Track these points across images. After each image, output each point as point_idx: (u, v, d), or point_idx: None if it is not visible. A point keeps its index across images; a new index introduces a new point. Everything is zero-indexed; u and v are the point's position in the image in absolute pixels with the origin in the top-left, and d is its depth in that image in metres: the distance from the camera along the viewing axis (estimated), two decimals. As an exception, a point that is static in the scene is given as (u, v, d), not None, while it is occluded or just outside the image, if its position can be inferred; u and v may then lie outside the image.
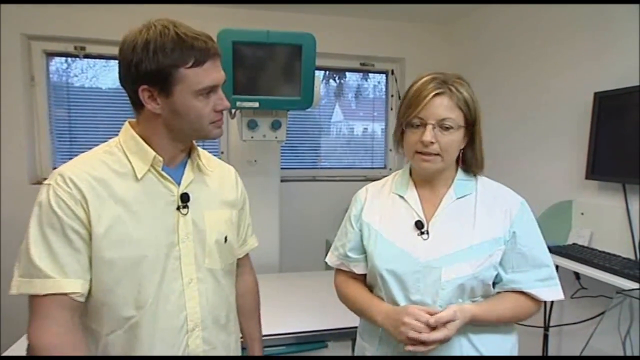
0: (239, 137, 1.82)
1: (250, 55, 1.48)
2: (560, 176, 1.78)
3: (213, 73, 0.81)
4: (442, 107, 0.88)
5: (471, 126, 0.92)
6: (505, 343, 0.96)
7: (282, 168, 2.43)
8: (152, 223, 0.83)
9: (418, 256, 0.91)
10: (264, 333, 1.48)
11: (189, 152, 0.91)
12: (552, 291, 0.93)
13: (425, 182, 0.97)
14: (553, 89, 1.83)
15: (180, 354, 0.85)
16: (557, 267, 1.72)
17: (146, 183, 0.84)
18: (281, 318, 1.60)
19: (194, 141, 0.92)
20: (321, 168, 2.59)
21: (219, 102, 0.84)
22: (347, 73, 2.65)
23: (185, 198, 0.87)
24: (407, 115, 0.91)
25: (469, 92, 0.91)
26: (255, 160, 2.01)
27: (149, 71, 0.77)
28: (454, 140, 0.90)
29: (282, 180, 2.26)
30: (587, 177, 1.59)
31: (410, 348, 0.83)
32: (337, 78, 2.67)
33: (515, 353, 0.97)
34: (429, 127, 0.88)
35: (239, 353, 1.02)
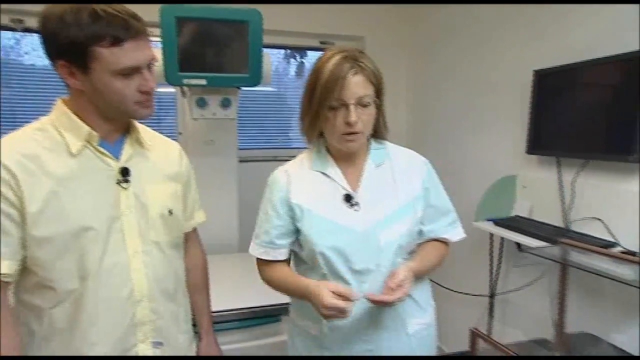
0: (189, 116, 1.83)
1: (195, 32, 1.48)
2: (506, 152, 1.88)
3: (134, 54, 0.81)
4: (359, 85, 0.91)
5: (379, 96, 0.97)
6: (428, 289, 1.10)
7: (242, 148, 2.46)
8: (92, 197, 0.85)
9: (355, 227, 0.96)
10: (220, 308, 1.54)
11: (128, 128, 0.93)
12: (458, 233, 1.07)
13: (344, 156, 1.02)
14: (501, 68, 1.92)
15: (128, 324, 0.88)
16: (501, 238, 1.85)
17: (83, 159, 0.85)
18: (237, 294, 1.65)
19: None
20: (283, 148, 2.62)
21: (143, 84, 0.85)
22: (308, 52, 2.67)
23: (125, 172, 0.89)
24: (325, 98, 0.91)
25: (373, 64, 0.94)
26: (212, 140, 2.02)
27: (64, 45, 0.78)
28: (372, 114, 0.95)
29: (242, 161, 2.28)
30: (527, 152, 1.68)
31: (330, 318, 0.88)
32: (298, 57, 2.68)
33: (431, 296, 1.10)
34: (352, 107, 0.91)
35: (189, 324, 1.06)
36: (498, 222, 1.70)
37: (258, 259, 1.06)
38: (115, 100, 0.83)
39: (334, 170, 1.01)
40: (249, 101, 2.61)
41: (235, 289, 1.74)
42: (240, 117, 2.47)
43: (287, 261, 1.07)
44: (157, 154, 0.97)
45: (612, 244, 1.31)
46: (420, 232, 1.03)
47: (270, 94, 2.64)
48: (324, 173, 1.02)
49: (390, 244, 0.95)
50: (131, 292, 0.88)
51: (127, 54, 0.80)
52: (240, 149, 2.46)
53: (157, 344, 0.92)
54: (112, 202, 0.87)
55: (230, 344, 1.55)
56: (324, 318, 0.90)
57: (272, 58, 2.60)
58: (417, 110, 2.64)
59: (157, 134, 1.03)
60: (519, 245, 1.79)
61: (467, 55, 2.14)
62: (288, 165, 1.06)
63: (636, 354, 0.95)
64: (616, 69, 1.34)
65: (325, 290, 0.87)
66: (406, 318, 1.00)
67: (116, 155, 0.89)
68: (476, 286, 1.98)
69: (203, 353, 1.09)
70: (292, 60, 2.71)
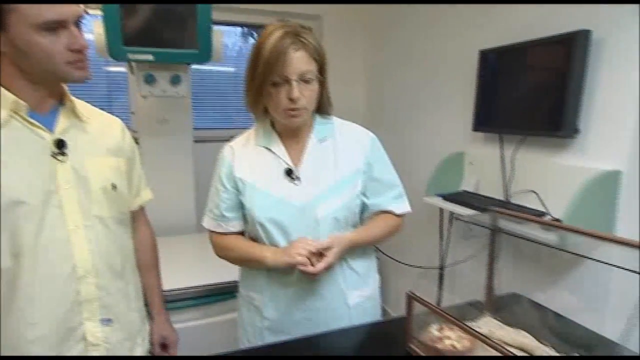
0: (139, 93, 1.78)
1: (141, 5, 1.43)
2: (455, 130, 1.97)
3: (58, 6, 0.76)
4: (301, 61, 0.92)
5: (322, 72, 0.98)
6: (371, 262, 1.14)
7: (199, 128, 2.43)
8: (23, 171, 0.82)
9: (294, 201, 1.00)
10: (177, 287, 1.55)
11: (62, 98, 0.89)
12: (404, 206, 1.11)
13: (289, 132, 1.04)
14: (450, 48, 1.99)
15: (71, 301, 0.86)
16: (451, 213, 1.95)
17: (10, 130, 0.81)
18: (194, 273, 1.67)
19: (65, 87, 0.90)
20: (241, 128, 2.60)
21: (73, 41, 0.80)
22: (265, 30, 2.64)
23: (60, 145, 0.86)
24: (267, 74, 0.92)
25: (316, 40, 0.96)
26: (165, 120, 1.98)
27: None
28: (315, 90, 0.97)
29: (199, 141, 2.25)
30: (473, 130, 1.76)
31: (302, 268, 0.93)
32: (256, 35, 2.65)
33: (375, 269, 1.15)
34: (294, 83, 0.92)
35: (140, 302, 1.06)
36: (446, 197, 1.78)
37: (211, 232, 1.10)
38: (42, 59, 0.78)
39: (278, 146, 1.04)
40: (205, 80, 2.57)
41: (192, 268, 1.75)
42: (197, 97, 2.44)
43: (241, 234, 1.10)
44: (97, 128, 0.95)
45: (543, 214, 1.42)
46: (365, 206, 1.07)
47: (228, 73, 2.61)
48: (267, 148, 1.04)
49: (326, 217, 0.99)
50: (73, 269, 0.86)
51: (49, 5, 0.74)
52: (197, 129, 2.42)
53: (106, 321, 0.91)
54: (47, 176, 0.84)
55: (188, 321, 1.57)
56: (294, 264, 0.93)
57: (228, 36, 2.57)
58: (374, 90, 2.68)
59: (96, 109, 1.00)
60: (461, 217, 1.89)
61: (420, 36, 2.19)
62: (235, 141, 1.09)
63: (552, 309, 1.05)
64: (548, 49, 1.43)
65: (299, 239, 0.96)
66: (346, 289, 1.05)
67: (50, 127, 0.86)
68: (430, 258, 2.08)
69: (156, 332, 1.10)
70: (251, 39, 2.68)
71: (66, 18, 0.78)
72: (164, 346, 1.10)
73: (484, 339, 0.72)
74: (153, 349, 1.08)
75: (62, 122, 0.88)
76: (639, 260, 0.66)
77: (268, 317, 1.05)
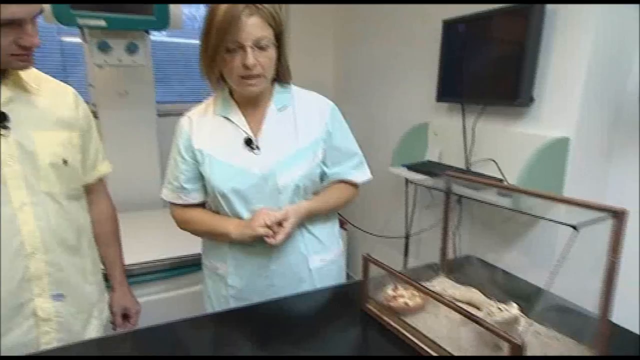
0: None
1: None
2: (421, 101, 2.00)
3: (9, 6, 0.74)
4: (255, 26, 0.90)
5: (279, 39, 0.97)
6: (334, 228, 1.17)
7: (163, 102, 2.37)
8: None
9: (254, 170, 1.01)
10: (142, 260, 1.55)
11: (5, 71, 0.85)
12: (364, 174, 1.14)
13: (247, 100, 1.04)
14: (417, 19, 1.99)
15: (19, 278, 0.86)
16: (415, 183, 2.00)
17: None
18: (159, 247, 1.67)
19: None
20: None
21: (24, 37, 0.79)
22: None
23: (2, 118, 0.83)
24: (220, 40, 0.90)
25: (273, 6, 0.94)
26: (125, 92, 1.92)
27: None
28: (271, 57, 0.96)
29: (164, 115, 2.20)
30: (437, 100, 1.79)
31: (266, 240, 0.96)
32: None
33: (338, 235, 1.19)
34: (248, 49, 0.91)
35: (98, 276, 1.06)
36: (411, 167, 1.83)
37: (172, 205, 1.10)
38: None
39: (237, 115, 1.03)
40: (171, 52, 2.49)
41: (158, 242, 1.75)
42: (162, 69, 2.36)
43: (202, 205, 1.10)
44: (47, 99, 0.92)
45: (500, 181, 1.49)
46: (325, 174, 1.09)
47: (194, 46, 2.51)
48: (226, 118, 1.03)
49: (287, 185, 1.01)
50: (21, 245, 0.86)
51: (5, 5, 0.73)
52: (163, 102, 2.36)
53: (57, 297, 0.91)
54: None
55: (155, 294, 1.59)
56: (253, 232, 0.96)
57: (193, 7, 2.47)
58: (342, 62, 2.68)
59: (47, 76, 0.96)
60: (415, 181, 1.95)
61: (387, 7, 2.18)
62: (193, 111, 1.08)
63: (503, 268, 1.12)
64: (507, 19, 1.46)
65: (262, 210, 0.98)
66: (307, 254, 1.08)
67: None
68: (397, 228, 2.15)
69: (116, 304, 1.10)
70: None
71: (22, 17, 0.77)
72: (125, 316, 1.11)
73: (434, 295, 0.77)
74: (114, 319, 1.09)
75: (4, 94, 0.85)
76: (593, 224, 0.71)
77: (232, 285, 1.08)
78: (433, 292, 0.79)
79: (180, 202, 1.08)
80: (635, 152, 1.33)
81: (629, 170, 1.35)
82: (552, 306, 0.92)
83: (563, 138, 1.34)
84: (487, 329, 0.65)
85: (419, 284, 0.82)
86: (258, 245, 1.01)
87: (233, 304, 1.07)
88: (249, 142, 1.02)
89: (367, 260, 0.93)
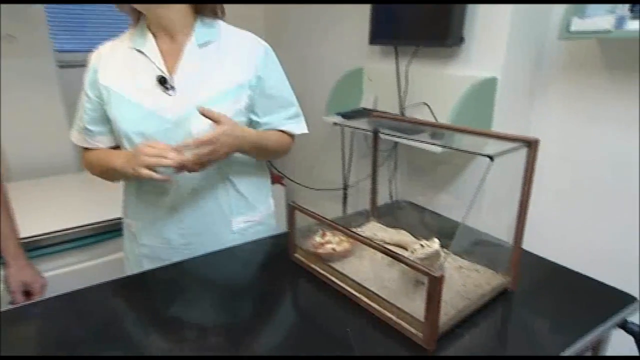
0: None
1: None
2: (354, 45, 1.94)
3: None
4: None
5: None
6: (263, 184, 1.11)
7: (65, 51, 2.11)
8: None
9: (166, 114, 0.92)
10: (57, 229, 1.42)
11: None
12: (300, 127, 1.07)
13: (165, 33, 0.94)
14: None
15: None
16: (352, 132, 2.00)
17: None
18: (74, 213, 1.53)
19: None
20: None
21: None
22: None
23: None
24: None
25: None
26: (10, 36, 1.67)
27: None
28: None
29: (67, 66, 1.97)
30: (370, 42, 1.75)
31: (154, 177, 0.84)
32: None
33: (268, 192, 1.13)
34: None
35: None
36: (345, 115, 1.80)
37: (83, 152, 1.03)
38: None
39: (151, 48, 0.93)
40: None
41: (72, 208, 1.61)
42: (65, 16, 2.08)
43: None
44: None
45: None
46: (257, 125, 1.01)
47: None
48: (140, 51, 0.93)
49: (201, 134, 0.93)
50: None
51: None
52: (66, 51, 2.11)
53: None
54: None
55: (73, 265, 1.48)
56: (145, 165, 0.84)
57: None
58: (273, 6, 2.53)
59: None
60: (342, 124, 1.95)
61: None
62: (105, 44, 0.98)
63: (432, 208, 1.16)
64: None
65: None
66: (230, 214, 1.02)
67: None
68: (336, 179, 2.15)
69: (12, 280, 1.00)
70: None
71: None
72: (27, 293, 1.01)
73: (360, 238, 0.76)
74: (14, 297, 1.00)
75: None
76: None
77: (144, 243, 1.02)
78: (359, 235, 0.78)
79: (86, 145, 1.00)
80: (555, 91, 1.40)
81: (550, 108, 1.42)
82: (474, 240, 0.97)
83: (491, 78, 1.37)
84: (407, 264, 0.66)
85: (346, 228, 0.81)
86: (168, 197, 0.95)
87: (146, 264, 1.02)
88: (162, 81, 0.92)
89: (294, 209, 0.91)
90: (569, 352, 0.66)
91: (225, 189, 1.01)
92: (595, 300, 0.79)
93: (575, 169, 1.37)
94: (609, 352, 0.80)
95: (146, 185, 0.98)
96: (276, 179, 2.43)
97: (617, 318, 0.74)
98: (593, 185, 1.34)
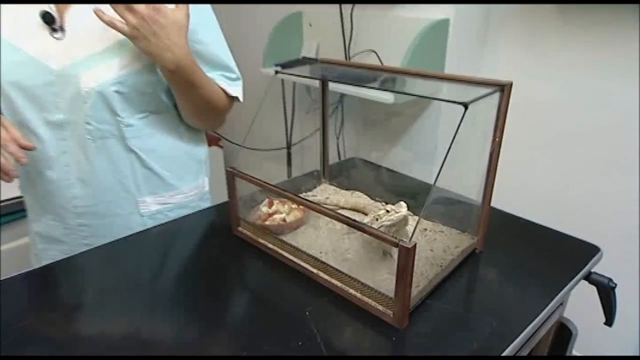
0: None
1: None
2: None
3: None
4: None
5: None
6: (191, 159, 0.95)
7: None
8: None
9: (49, 62, 0.74)
10: None
11: None
12: (235, 89, 0.90)
13: None
14: None
15: None
16: (293, 84, 1.86)
17: None
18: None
19: None
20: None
21: None
22: None
23: None
24: None
25: None
26: None
27: None
28: None
29: None
30: (309, -18, 1.58)
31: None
32: None
33: (201, 169, 0.98)
34: None
35: None
36: (285, 66, 1.65)
37: None
38: None
39: None
40: None
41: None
42: None
43: None
44: None
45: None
46: None
47: None
48: None
49: (91, 91, 0.75)
50: None
51: None
52: None
53: None
54: None
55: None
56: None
57: None
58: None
59: None
60: (307, 88, 1.83)
61: None
62: None
63: (388, 166, 1.09)
64: None
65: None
66: (138, 194, 0.87)
67: None
68: (276, 138, 2.02)
69: None
70: None
71: None
72: None
73: (312, 205, 0.67)
74: None
75: None
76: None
77: (35, 219, 0.87)
78: (311, 202, 0.68)
79: None
80: (506, 34, 1.35)
81: (500, 51, 1.38)
82: (438, 199, 0.91)
83: (444, 20, 1.29)
84: (373, 235, 0.58)
85: (295, 194, 0.71)
86: (55, 168, 0.80)
87: (40, 244, 0.89)
88: (49, 20, 0.72)
89: (233, 175, 0.78)
90: (544, 313, 0.62)
91: (128, 163, 0.84)
92: (562, 254, 0.77)
93: (528, 114, 1.36)
94: (570, 303, 0.79)
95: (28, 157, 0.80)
96: (213, 141, 2.25)
97: (584, 271, 0.72)
98: (545, 130, 1.35)
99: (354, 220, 0.60)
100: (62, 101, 0.75)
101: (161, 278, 0.72)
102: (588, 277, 0.75)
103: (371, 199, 0.92)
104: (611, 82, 1.18)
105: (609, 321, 0.76)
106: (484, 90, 0.64)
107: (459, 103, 0.57)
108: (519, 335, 0.58)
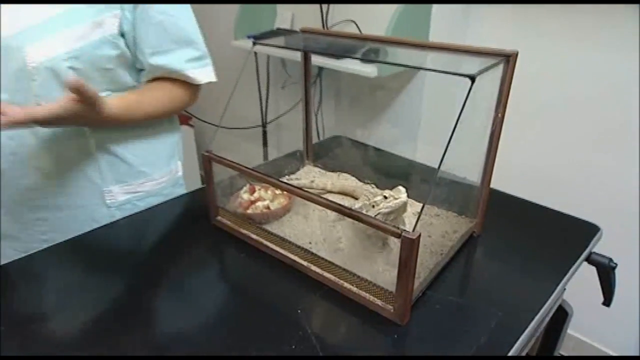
0: None
1: None
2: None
3: None
4: None
5: None
6: (162, 143, 0.86)
7: None
8: None
9: None
10: None
11: None
12: (205, 72, 0.81)
13: None
14: None
15: None
16: (267, 57, 1.76)
17: None
18: None
19: None
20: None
21: None
22: None
23: None
24: None
25: None
26: None
27: None
28: None
29: None
30: (282, -55, 1.47)
31: None
32: None
33: (174, 153, 0.90)
34: None
35: None
36: (258, 38, 1.55)
37: None
38: None
39: None
40: None
41: None
42: None
43: None
44: None
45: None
46: (144, 66, 0.74)
47: None
48: None
49: (40, 66, 0.65)
50: None
51: None
52: None
53: None
54: None
55: None
56: None
57: None
58: None
59: None
60: (283, 61, 1.73)
61: None
62: None
63: (373, 144, 1.03)
64: None
65: None
66: (103, 183, 0.78)
67: None
68: (250, 116, 1.92)
69: None
70: None
71: None
72: None
73: (299, 192, 0.60)
74: None
75: None
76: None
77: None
78: (298, 187, 0.62)
79: None
80: (491, 5, 1.30)
81: (485, 22, 1.32)
82: (432, 180, 0.87)
83: (427, -14, 1.22)
84: (372, 225, 0.52)
85: (279, 180, 0.64)
86: (6, 154, 0.70)
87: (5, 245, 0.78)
88: None
89: (209, 159, 0.71)
90: (551, 300, 0.59)
91: (88, 150, 0.75)
92: (561, 235, 0.74)
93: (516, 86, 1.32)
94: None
95: None
96: (182, 120, 2.12)
97: (586, 253, 0.69)
98: (533, 103, 1.31)
99: (349, 209, 0.54)
100: (7, 78, 0.65)
101: (132, 276, 0.65)
102: (588, 258, 0.73)
103: (359, 180, 0.87)
104: (606, 52, 1.14)
105: (608, 301, 0.75)
106: (484, 61, 0.58)
107: (466, 76, 0.51)
108: (527, 327, 0.54)
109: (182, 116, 2.11)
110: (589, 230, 0.74)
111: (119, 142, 0.78)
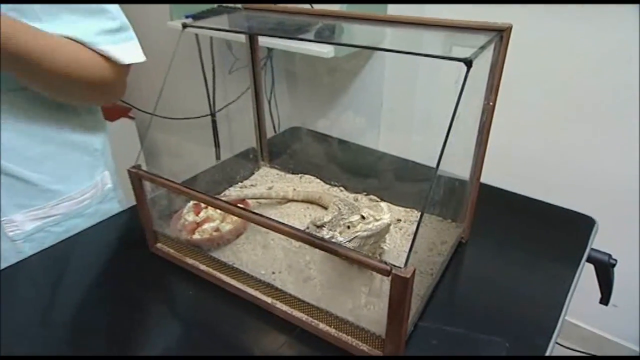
0: None
1: None
2: None
3: None
4: None
5: None
6: (77, 149, 0.68)
7: None
8: None
9: None
10: None
11: None
12: (126, 49, 0.62)
13: None
14: None
15: None
16: (210, 38, 1.56)
17: None
18: None
19: None
20: None
21: None
22: None
23: None
24: None
25: None
26: None
27: None
28: None
29: None
30: None
31: None
32: None
33: (99, 163, 0.72)
34: None
35: None
36: (197, 17, 1.36)
37: None
38: None
39: None
40: None
41: None
42: None
43: None
44: None
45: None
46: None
47: None
48: None
49: None
50: None
51: None
52: None
53: None
54: None
55: None
56: None
57: None
58: None
59: None
60: (228, 43, 1.55)
61: None
62: None
63: (330, 133, 0.90)
64: None
65: None
66: (4, 211, 0.62)
67: None
68: (197, 105, 1.73)
69: None
70: None
71: None
72: None
73: (255, 218, 0.47)
74: None
75: None
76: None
77: None
78: (251, 212, 0.49)
79: None
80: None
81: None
82: (408, 177, 0.76)
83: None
84: (354, 261, 0.40)
85: (223, 200, 0.51)
86: None
87: None
88: None
89: (138, 177, 0.56)
90: (562, 315, 0.51)
91: None
92: (557, 233, 0.65)
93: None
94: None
95: None
96: (121, 112, 1.89)
97: (587, 253, 0.61)
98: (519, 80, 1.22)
99: (321, 239, 0.42)
100: None
101: (51, 324, 0.50)
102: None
103: (325, 182, 0.75)
104: (603, 34, 1.01)
105: (605, 299, 0.68)
106: (468, 37, 0.47)
107: (460, 60, 0.39)
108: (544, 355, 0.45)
109: (119, 108, 1.87)
110: (584, 224, 0.66)
111: (13, 156, 0.60)
